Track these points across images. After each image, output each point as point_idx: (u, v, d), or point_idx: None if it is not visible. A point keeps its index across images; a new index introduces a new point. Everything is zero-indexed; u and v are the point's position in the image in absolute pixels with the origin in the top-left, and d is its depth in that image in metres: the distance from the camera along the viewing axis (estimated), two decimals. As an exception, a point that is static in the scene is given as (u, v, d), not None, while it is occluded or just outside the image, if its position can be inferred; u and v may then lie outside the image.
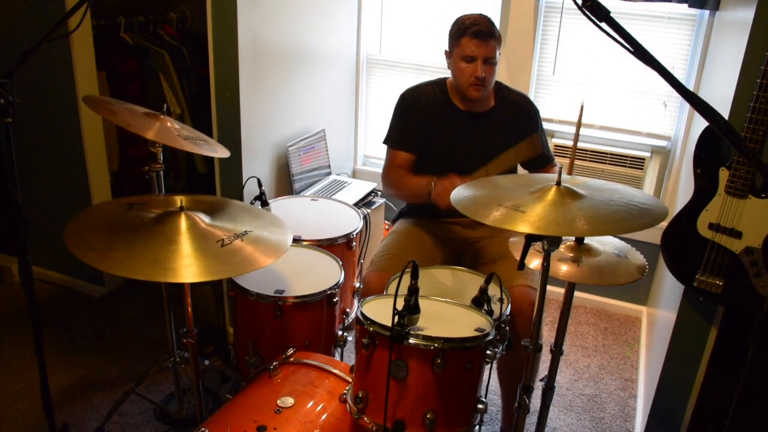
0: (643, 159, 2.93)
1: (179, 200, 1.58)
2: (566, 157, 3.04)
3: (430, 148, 2.22)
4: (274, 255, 1.51)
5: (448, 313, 1.60)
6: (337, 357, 2.05)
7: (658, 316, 2.58)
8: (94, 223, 1.54)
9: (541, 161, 2.27)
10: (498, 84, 2.25)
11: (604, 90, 3.01)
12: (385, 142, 2.29)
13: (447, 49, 2.16)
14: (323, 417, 1.56)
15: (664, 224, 1.66)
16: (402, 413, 1.42)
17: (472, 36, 2.04)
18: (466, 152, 2.19)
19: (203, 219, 1.55)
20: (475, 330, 1.48)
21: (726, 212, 1.67)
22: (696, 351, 1.93)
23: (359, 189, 3.02)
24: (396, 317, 1.39)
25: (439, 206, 2.00)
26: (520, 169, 2.40)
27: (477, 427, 1.51)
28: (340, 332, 1.98)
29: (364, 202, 2.94)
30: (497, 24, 3.02)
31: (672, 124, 2.95)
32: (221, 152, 2.02)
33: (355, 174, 3.63)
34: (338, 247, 2.24)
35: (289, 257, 2.06)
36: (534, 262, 1.65)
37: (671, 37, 2.81)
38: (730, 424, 1.33)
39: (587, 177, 1.74)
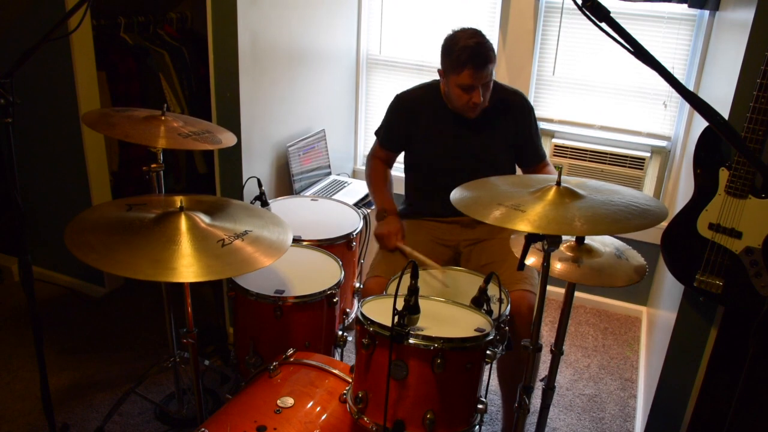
0: (643, 159, 2.93)
1: (179, 200, 1.58)
2: (566, 157, 3.04)
3: (422, 151, 2.23)
4: (275, 255, 1.51)
5: (448, 313, 1.60)
6: (337, 357, 2.05)
7: (658, 316, 2.58)
8: (94, 224, 1.54)
9: (533, 158, 2.27)
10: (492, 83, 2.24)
11: (604, 90, 3.01)
12: (375, 132, 2.38)
13: (440, 68, 2.10)
14: (323, 417, 1.56)
15: (664, 224, 1.66)
16: (402, 413, 1.43)
17: (474, 69, 1.97)
18: (458, 154, 2.19)
19: (203, 219, 1.55)
20: (475, 330, 1.48)
21: (726, 212, 1.67)
22: (696, 351, 1.93)
23: (359, 189, 3.02)
24: (396, 317, 1.39)
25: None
26: (519, 170, 2.40)
27: (477, 427, 1.51)
28: (340, 332, 1.98)
29: (364, 202, 2.94)
30: (497, 24, 3.03)
31: (672, 124, 2.95)
32: (227, 140, 2.01)
33: (355, 174, 3.63)
34: (338, 247, 2.24)
35: (289, 257, 2.06)
36: (532, 259, 1.65)
37: (671, 37, 2.81)
38: (730, 424, 1.33)
39: (587, 177, 1.75)
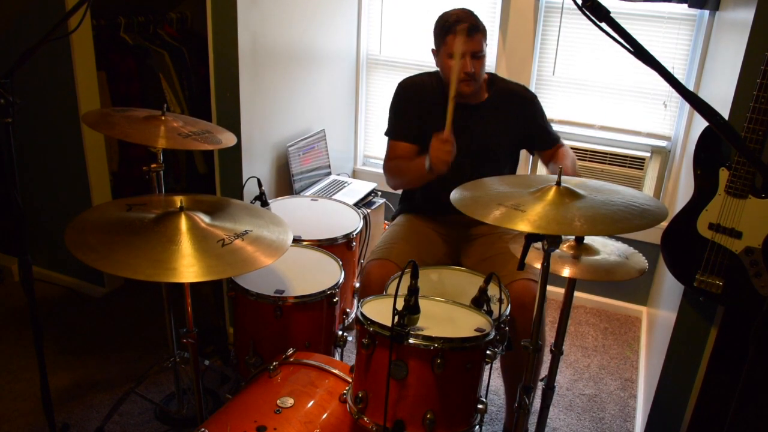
0: (643, 159, 2.93)
1: (179, 200, 1.58)
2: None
3: (426, 139, 2.22)
4: (275, 254, 1.51)
5: (448, 313, 1.60)
6: (337, 357, 2.05)
7: (658, 316, 2.58)
8: (94, 224, 1.54)
9: (547, 142, 2.27)
10: (492, 76, 2.25)
11: (604, 90, 3.01)
12: (385, 133, 2.30)
13: (433, 47, 2.16)
14: (323, 417, 1.56)
15: (664, 224, 1.66)
16: (402, 413, 1.43)
17: (458, 33, 2.04)
18: (459, 145, 2.18)
19: (203, 219, 1.55)
20: (475, 330, 1.48)
21: (726, 212, 1.67)
22: (696, 351, 1.93)
23: (359, 189, 3.02)
24: (396, 317, 1.39)
25: (444, 170, 1.98)
26: (521, 169, 2.39)
27: (477, 427, 1.51)
28: (340, 332, 1.98)
29: (364, 202, 2.94)
30: (497, 24, 3.03)
31: (672, 124, 2.95)
32: (227, 140, 2.01)
33: (355, 174, 3.63)
34: (338, 247, 2.24)
35: (289, 257, 2.06)
36: (535, 265, 1.65)
37: (671, 37, 2.81)
38: (730, 424, 1.33)
39: (587, 177, 1.75)
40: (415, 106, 2.22)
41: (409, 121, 2.23)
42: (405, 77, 2.28)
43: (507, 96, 2.21)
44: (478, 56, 2.06)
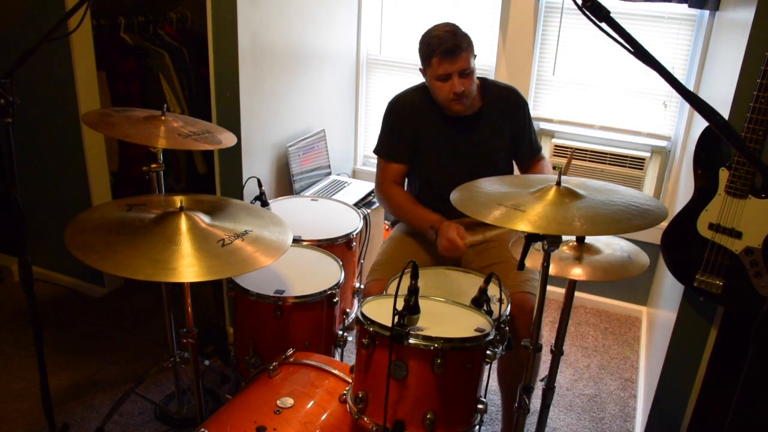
0: (643, 159, 2.93)
1: (179, 200, 1.58)
2: (566, 157, 3.04)
3: (421, 155, 2.21)
4: (275, 254, 1.51)
5: (448, 313, 1.60)
6: (337, 357, 2.05)
7: (658, 316, 2.58)
8: (94, 224, 1.54)
9: (529, 152, 2.26)
10: (483, 81, 2.20)
11: (604, 90, 3.01)
12: (375, 152, 2.26)
13: (421, 67, 2.11)
14: (323, 417, 1.56)
15: (664, 224, 1.66)
16: (402, 413, 1.43)
17: (441, 56, 1.98)
18: (456, 157, 2.17)
19: (203, 219, 1.55)
20: (475, 330, 1.48)
21: (726, 212, 1.67)
22: (696, 351, 1.93)
23: (359, 189, 3.02)
24: (396, 317, 1.39)
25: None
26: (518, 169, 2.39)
27: (477, 427, 1.51)
28: (340, 332, 1.98)
29: (364, 202, 2.94)
30: (497, 24, 3.03)
31: (672, 124, 2.95)
32: (227, 140, 2.01)
33: (355, 174, 3.63)
34: (338, 247, 2.24)
35: (289, 257, 2.06)
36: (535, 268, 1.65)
37: (671, 37, 2.81)
38: (730, 424, 1.33)
39: (587, 177, 1.74)
40: (407, 126, 2.19)
41: (401, 141, 2.20)
42: (395, 95, 2.24)
43: (499, 101, 2.19)
44: (466, 74, 2.02)
